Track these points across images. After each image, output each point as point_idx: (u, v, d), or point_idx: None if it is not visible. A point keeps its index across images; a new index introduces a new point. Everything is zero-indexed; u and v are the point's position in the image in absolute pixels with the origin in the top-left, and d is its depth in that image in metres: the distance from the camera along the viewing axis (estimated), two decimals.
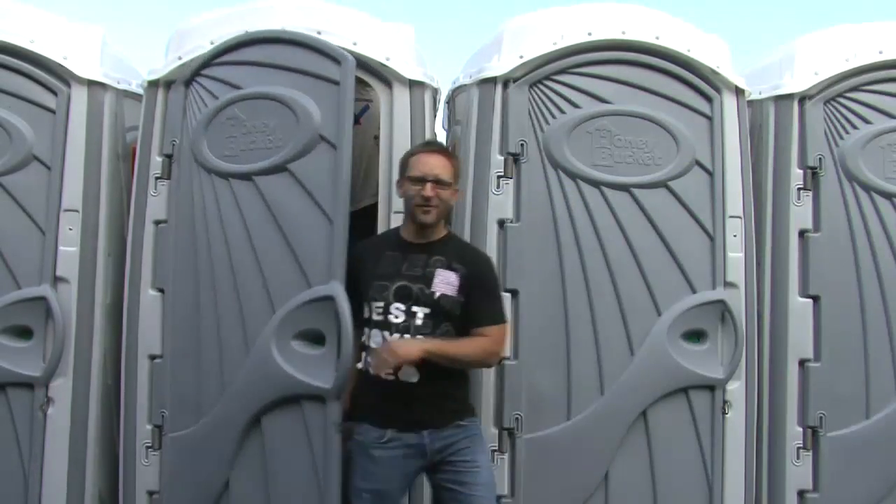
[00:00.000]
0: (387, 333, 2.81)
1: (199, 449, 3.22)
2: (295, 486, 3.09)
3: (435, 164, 2.86)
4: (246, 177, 3.20)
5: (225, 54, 3.27)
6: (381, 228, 3.34)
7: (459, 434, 2.87)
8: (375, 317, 2.85)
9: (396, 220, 3.31)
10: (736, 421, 3.40)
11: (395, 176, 3.31)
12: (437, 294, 2.82)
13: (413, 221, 2.89)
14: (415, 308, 2.82)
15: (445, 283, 2.84)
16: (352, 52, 3.32)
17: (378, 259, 2.90)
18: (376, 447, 2.83)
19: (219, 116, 3.26)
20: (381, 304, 2.84)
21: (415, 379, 2.79)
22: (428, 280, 2.83)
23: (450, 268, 2.85)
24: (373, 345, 2.83)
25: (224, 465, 3.17)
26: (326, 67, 3.13)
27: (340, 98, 3.09)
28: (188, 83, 3.33)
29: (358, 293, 2.93)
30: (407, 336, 2.79)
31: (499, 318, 2.94)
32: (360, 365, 2.88)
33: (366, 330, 2.89)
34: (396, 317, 2.82)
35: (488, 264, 3.01)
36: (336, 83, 3.10)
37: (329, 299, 2.99)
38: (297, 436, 3.09)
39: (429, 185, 2.83)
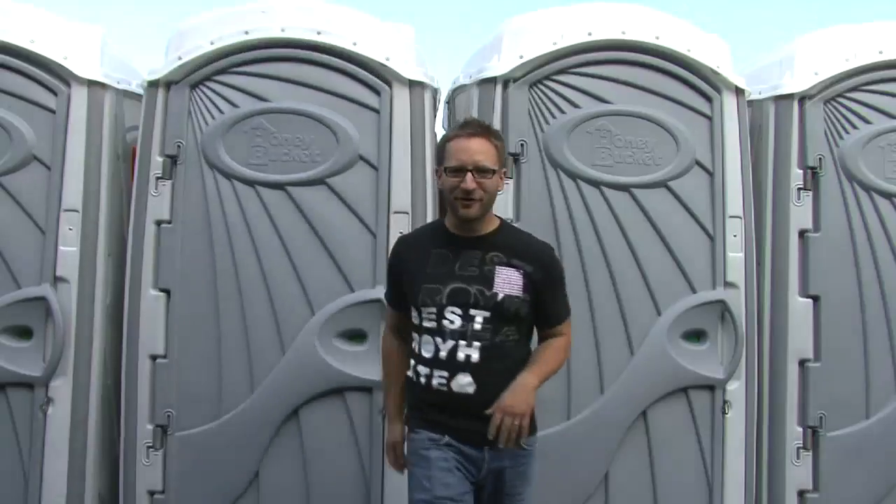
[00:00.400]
0: (440, 340, 2.49)
1: (221, 445, 3.29)
2: (339, 474, 3.28)
3: (476, 150, 2.48)
4: (278, 186, 3.31)
5: (245, 65, 3.35)
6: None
7: (519, 459, 2.54)
8: (427, 323, 2.52)
9: (395, 220, 3.32)
10: (736, 421, 3.40)
11: (395, 175, 3.32)
12: (501, 296, 2.49)
13: (455, 215, 2.54)
14: (473, 311, 2.48)
15: (507, 282, 2.50)
16: (352, 52, 3.33)
17: (425, 258, 2.57)
18: (432, 448, 2.49)
19: (241, 125, 3.33)
20: (434, 308, 2.50)
21: (471, 390, 2.47)
22: (487, 280, 2.49)
23: (510, 265, 2.52)
24: (425, 353, 2.51)
25: (254, 459, 3.28)
26: (363, 94, 3.35)
27: (381, 125, 3.34)
28: (194, 86, 3.34)
29: (400, 294, 2.63)
30: (462, 342, 2.47)
31: (569, 311, 2.68)
32: (409, 373, 2.59)
33: (415, 336, 2.57)
34: (452, 322, 2.49)
35: (552, 257, 2.63)
36: (375, 111, 3.34)
37: (376, 302, 3.22)
38: (340, 426, 3.28)
39: (469, 177, 2.46)
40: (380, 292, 3.17)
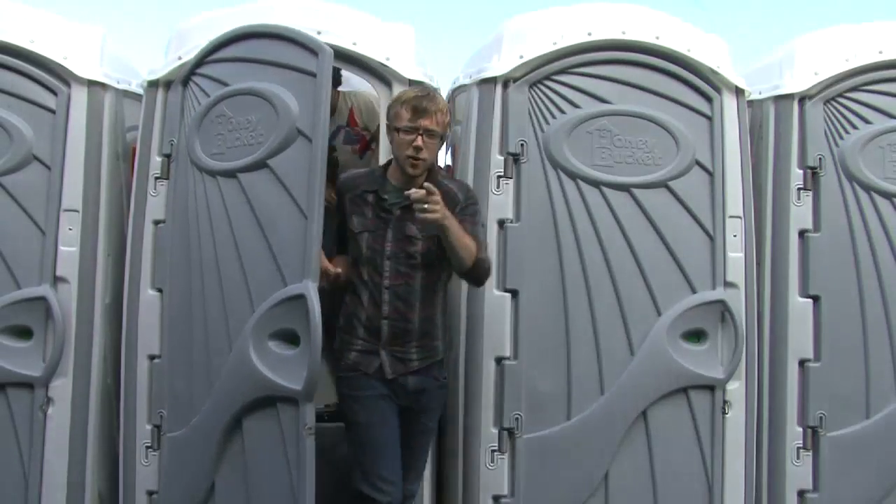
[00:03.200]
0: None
1: (190, 450, 3.19)
2: (271, 489, 2.98)
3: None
4: (231, 174, 3.13)
5: (215, 52, 3.25)
6: None
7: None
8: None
9: None
10: (736, 421, 3.40)
11: None
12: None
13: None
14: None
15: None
16: (352, 52, 3.33)
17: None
18: None
19: (209, 115, 3.23)
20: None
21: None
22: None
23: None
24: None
25: (210, 466, 3.11)
26: (305, 60, 3.02)
27: (316, 90, 2.96)
28: (185, 82, 3.33)
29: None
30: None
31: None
32: None
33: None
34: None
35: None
36: (314, 75, 2.99)
37: (302, 298, 2.88)
38: (272, 437, 2.97)
39: (420, 138, 2.85)
40: (304, 287, 2.91)
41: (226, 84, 3.20)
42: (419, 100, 2.88)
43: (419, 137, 2.84)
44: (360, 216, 2.96)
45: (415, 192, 2.71)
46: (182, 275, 3.25)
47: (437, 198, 2.71)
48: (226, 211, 3.12)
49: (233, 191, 3.11)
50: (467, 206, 2.96)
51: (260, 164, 3.06)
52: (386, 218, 2.93)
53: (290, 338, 2.97)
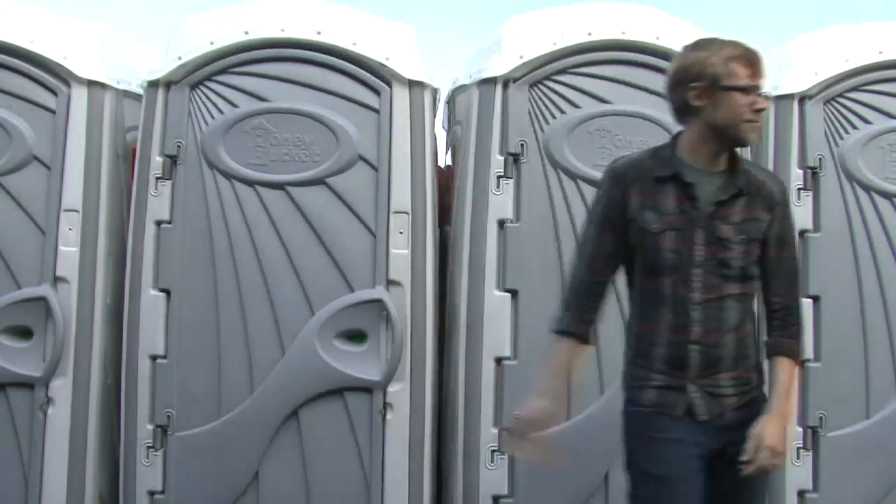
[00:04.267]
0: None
1: (221, 445, 3.28)
2: (338, 473, 3.28)
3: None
4: (278, 186, 3.31)
5: (246, 65, 3.35)
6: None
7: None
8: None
9: (394, 219, 3.32)
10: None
11: (395, 175, 3.31)
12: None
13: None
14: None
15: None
16: (352, 52, 3.33)
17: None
18: None
19: (241, 125, 3.33)
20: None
21: None
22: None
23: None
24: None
25: (254, 459, 3.27)
26: (363, 94, 3.34)
27: (381, 125, 3.32)
28: (194, 86, 3.34)
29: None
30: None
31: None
32: None
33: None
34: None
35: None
36: (375, 111, 3.32)
37: (376, 301, 3.26)
38: (340, 427, 3.28)
39: (760, 98, 2.13)
40: (379, 292, 3.21)
41: (262, 99, 3.35)
42: (754, 54, 2.16)
43: (759, 98, 2.13)
44: (657, 211, 2.16)
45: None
46: (201, 276, 3.32)
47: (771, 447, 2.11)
48: (270, 219, 3.32)
49: (280, 202, 3.32)
50: (786, 215, 2.23)
51: (317, 181, 3.31)
52: (693, 214, 2.15)
53: (350, 336, 3.30)
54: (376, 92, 3.36)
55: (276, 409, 3.29)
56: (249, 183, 3.34)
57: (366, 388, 3.30)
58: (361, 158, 3.33)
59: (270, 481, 3.30)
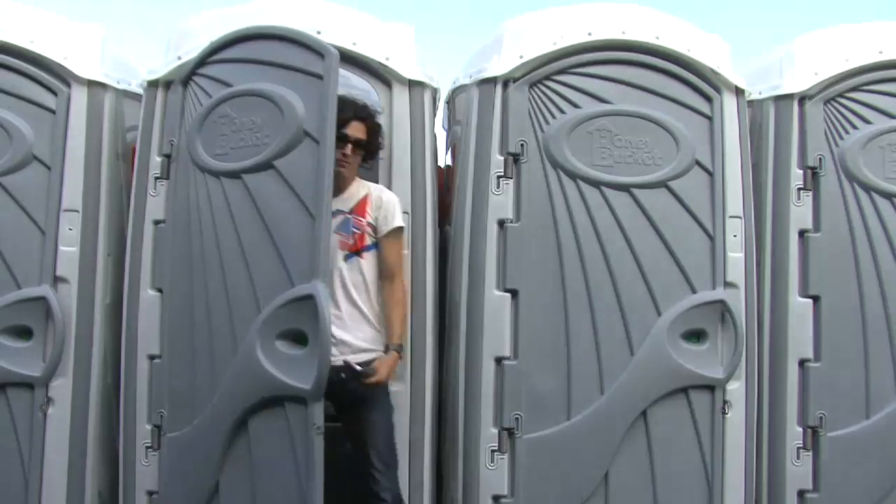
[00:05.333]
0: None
1: (193, 450, 3.17)
2: (279, 489, 2.98)
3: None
4: (235, 175, 3.12)
5: (217, 52, 3.24)
6: None
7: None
8: None
9: None
10: (736, 421, 3.40)
11: (395, 175, 3.32)
12: None
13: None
14: None
15: None
16: (352, 52, 3.33)
17: None
18: None
19: (211, 115, 3.22)
20: None
21: None
22: None
23: None
24: None
25: (214, 467, 3.09)
26: (311, 62, 3.02)
27: (323, 91, 2.96)
28: (185, 83, 3.33)
29: None
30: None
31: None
32: None
33: None
34: None
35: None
36: (320, 77, 2.99)
37: (310, 298, 2.89)
38: (280, 437, 2.97)
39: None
40: (314, 287, 2.93)
41: (228, 84, 3.19)
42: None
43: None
44: None
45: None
46: (183, 275, 3.24)
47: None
48: (229, 211, 3.11)
49: (237, 191, 3.10)
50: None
51: (265, 165, 3.06)
52: None
53: (298, 338, 2.97)
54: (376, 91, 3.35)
55: (230, 415, 3.06)
56: (215, 174, 3.18)
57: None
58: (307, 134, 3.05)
59: (227, 490, 3.09)
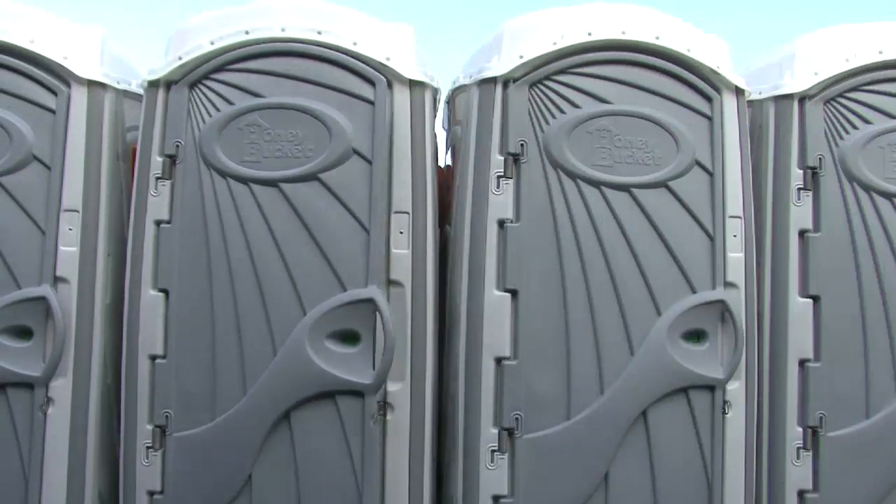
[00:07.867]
0: None
1: (215, 446, 3.26)
2: (329, 480, 3.23)
3: None
4: (271, 183, 3.28)
5: (241, 62, 3.33)
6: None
7: None
8: None
9: (396, 219, 3.33)
10: (736, 421, 3.40)
11: (395, 175, 3.31)
12: None
13: None
14: None
15: None
16: (351, 52, 3.33)
17: None
18: None
19: (236, 122, 3.31)
20: None
21: None
22: None
23: None
24: None
25: (247, 461, 3.24)
26: (359, 86, 3.30)
27: (376, 117, 3.27)
28: (192, 85, 3.34)
29: None
30: None
31: None
32: None
33: None
34: None
35: None
36: (370, 102, 3.28)
37: (368, 301, 3.20)
38: (332, 430, 3.22)
39: None
40: (372, 291, 3.20)
41: (256, 94, 3.32)
42: None
43: None
44: None
45: None
46: (196, 275, 3.29)
47: None
48: (263, 217, 3.27)
49: (272, 198, 3.28)
50: None
51: (310, 177, 3.27)
52: None
53: (346, 337, 3.26)
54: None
55: (268, 412, 3.24)
56: (244, 181, 3.30)
57: (357, 392, 3.24)
58: (356, 152, 3.29)
59: (263, 484, 3.27)
